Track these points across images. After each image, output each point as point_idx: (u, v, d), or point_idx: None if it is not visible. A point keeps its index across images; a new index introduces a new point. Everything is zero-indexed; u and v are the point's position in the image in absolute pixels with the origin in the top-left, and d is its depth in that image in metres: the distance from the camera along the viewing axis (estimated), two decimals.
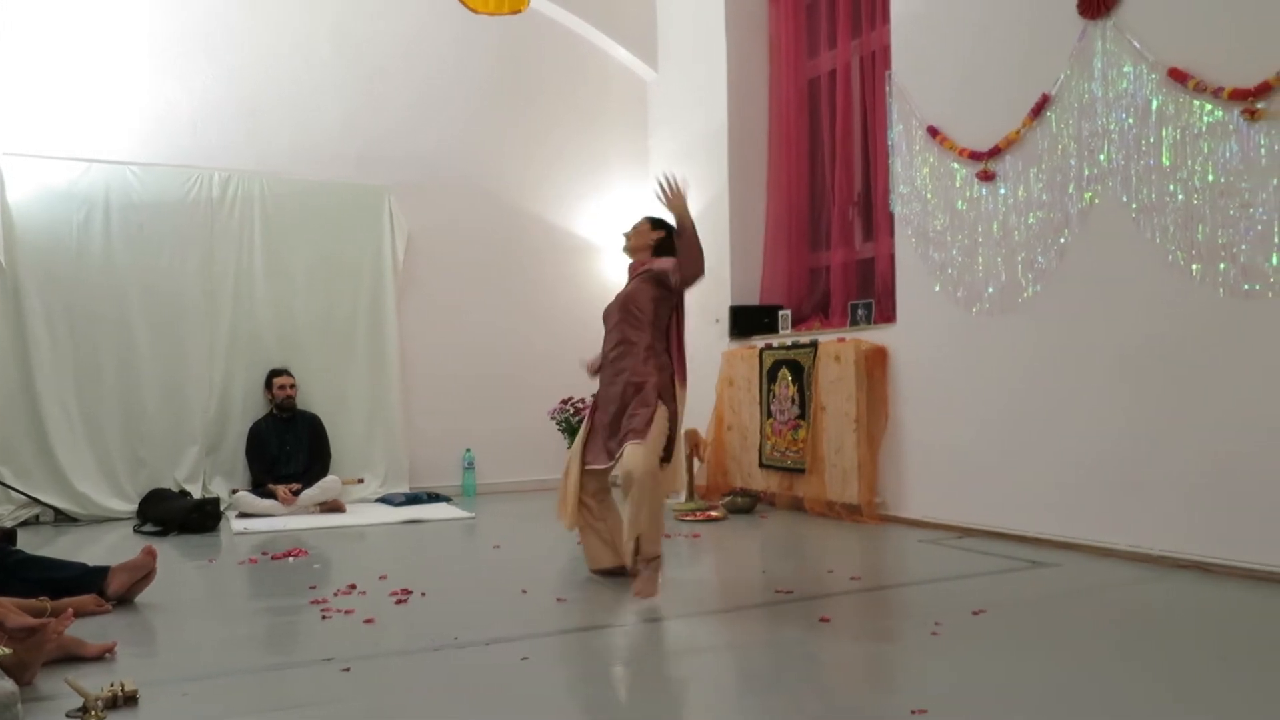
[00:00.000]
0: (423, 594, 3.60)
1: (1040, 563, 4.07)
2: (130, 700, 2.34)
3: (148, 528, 5.48)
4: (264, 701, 2.45)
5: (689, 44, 7.27)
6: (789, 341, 6.03)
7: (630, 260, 3.99)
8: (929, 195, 5.14)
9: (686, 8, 7.26)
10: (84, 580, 3.43)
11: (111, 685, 2.34)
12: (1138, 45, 4.09)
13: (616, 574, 3.78)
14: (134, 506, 5.90)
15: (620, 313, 3.78)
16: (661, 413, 3.54)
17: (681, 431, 3.71)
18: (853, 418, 5.33)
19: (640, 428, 3.49)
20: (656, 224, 3.95)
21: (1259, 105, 3.65)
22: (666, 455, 3.60)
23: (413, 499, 6.39)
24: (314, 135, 6.73)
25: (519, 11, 4.90)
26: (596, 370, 3.93)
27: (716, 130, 6.88)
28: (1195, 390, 3.87)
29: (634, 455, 3.44)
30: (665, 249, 3.86)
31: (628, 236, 3.99)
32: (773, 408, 6.01)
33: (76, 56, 6.10)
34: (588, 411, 3.87)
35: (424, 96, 7.06)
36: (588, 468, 3.74)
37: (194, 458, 6.22)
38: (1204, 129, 3.86)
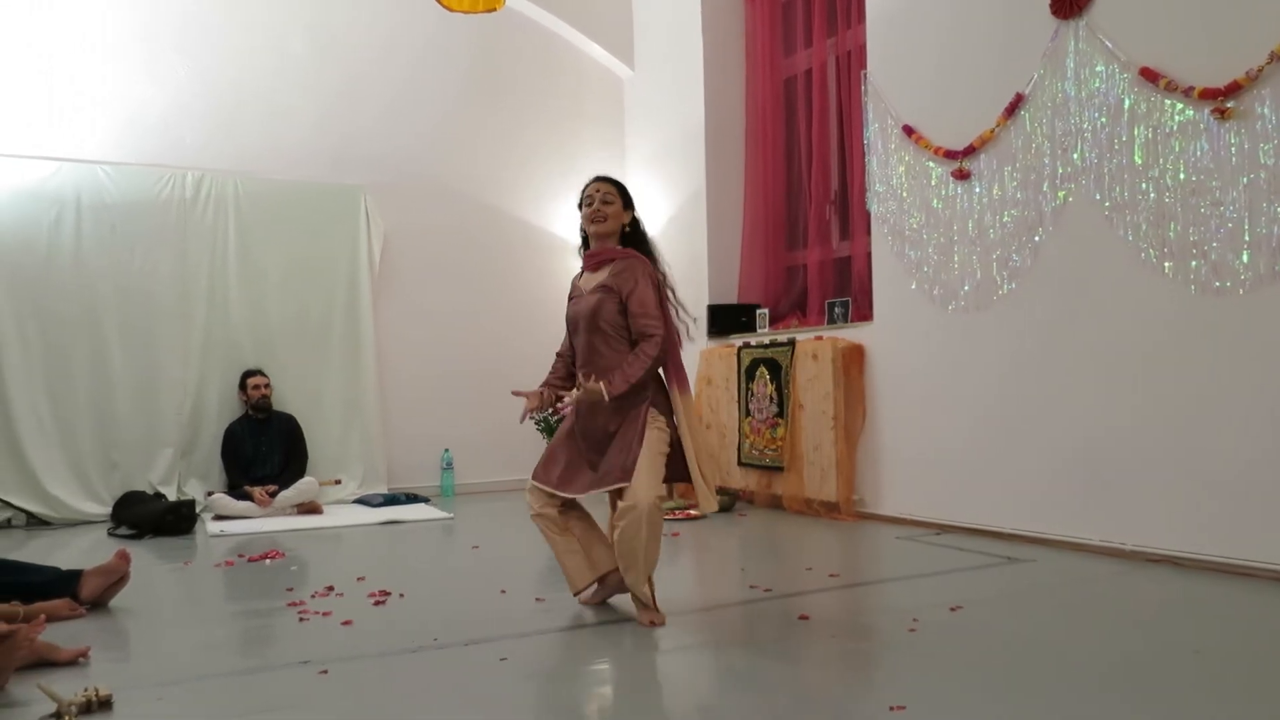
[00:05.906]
0: (401, 595, 3.58)
1: (1016, 558, 4.11)
2: (105, 705, 2.32)
3: (122, 531, 5.43)
4: (240, 705, 2.43)
5: (665, 42, 7.27)
6: (767, 340, 6.04)
7: (590, 231, 3.29)
8: (905, 194, 5.17)
9: (663, 6, 7.26)
10: (57, 585, 3.39)
11: (85, 690, 2.32)
12: (1110, 45, 4.13)
13: (601, 592, 3.37)
14: (107, 510, 5.83)
15: (588, 328, 3.22)
16: (654, 436, 3.10)
17: (692, 443, 3.23)
18: (830, 415, 5.35)
19: (631, 465, 3.04)
20: (627, 200, 3.32)
21: (1229, 105, 3.69)
22: (669, 475, 3.18)
23: (391, 500, 6.36)
24: (288, 134, 6.68)
25: (494, 10, 4.88)
26: (554, 401, 3.39)
27: (694, 129, 6.89)
28: (1167, 387, 3.91)
29: (636, 489, 3.01)
30: (632, 238, 3.32)
31: (599, 210, 3.24)
32: (751, 406, 6.02)
33: (46, 54, 6.03)
34: (564, 426, 3.37)
35: (400, 95, 7.02)
36: (561, 493, 3.24)
37: (168, 460, 6.16)
38: (1175, 128, 3.90)
